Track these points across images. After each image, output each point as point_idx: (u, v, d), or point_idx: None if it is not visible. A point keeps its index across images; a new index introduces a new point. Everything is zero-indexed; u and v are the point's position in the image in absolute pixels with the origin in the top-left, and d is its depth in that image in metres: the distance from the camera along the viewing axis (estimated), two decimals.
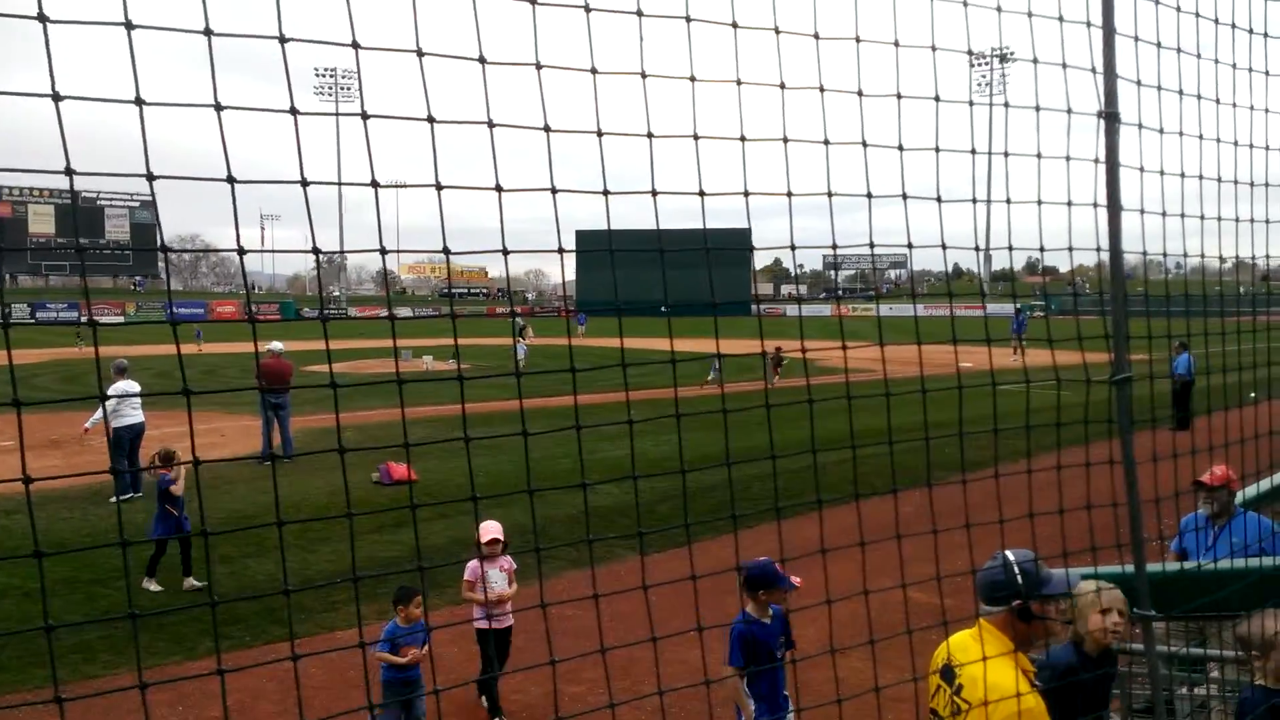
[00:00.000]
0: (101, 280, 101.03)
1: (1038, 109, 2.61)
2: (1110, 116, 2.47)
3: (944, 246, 2.48)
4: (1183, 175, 2.67)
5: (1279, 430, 3.65)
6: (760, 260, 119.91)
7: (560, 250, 2.13)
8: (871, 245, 2.53)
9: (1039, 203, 2.54)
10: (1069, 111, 2.49)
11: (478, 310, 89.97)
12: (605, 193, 2.13)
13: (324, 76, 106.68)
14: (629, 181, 2.21)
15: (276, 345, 17.69)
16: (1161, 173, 2.59)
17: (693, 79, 2.08)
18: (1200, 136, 2.72)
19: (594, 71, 1.96)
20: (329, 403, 22.84)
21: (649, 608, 2.19)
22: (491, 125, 1.95)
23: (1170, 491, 2.94)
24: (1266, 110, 3.02)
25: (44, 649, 7.74)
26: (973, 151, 2.43)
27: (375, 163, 1.96)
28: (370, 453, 15.93)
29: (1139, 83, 2.50)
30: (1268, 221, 3.19)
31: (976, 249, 2.54)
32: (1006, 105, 2.54)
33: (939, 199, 2.43)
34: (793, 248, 2.43)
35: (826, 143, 2.33)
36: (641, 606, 2.30)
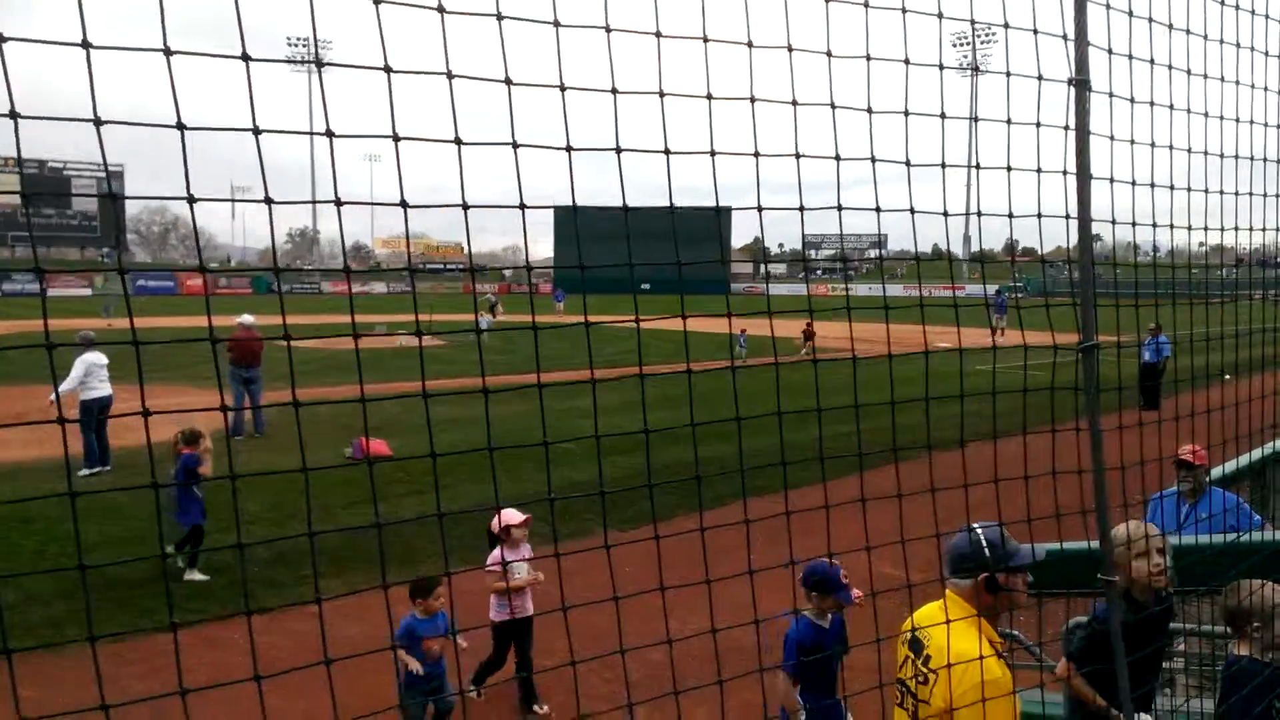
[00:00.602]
0: (68, 252, 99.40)
1: (1008, 74, 2.58)
2: (1080, 84, 2.46)
3: (912, 211, 2.46)
4: (1153, 145, 2.66)
5: (1255, 410, 3.69)
6: (740, 239, 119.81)
7: (521, 205, 2.06)
8: (839, 208, 2.51)
9: (1008, 169, 2.53)
10: (1039, 79, 2.47)
11: (454, 286, 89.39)
12: (568, 149, 2.08)
13: (295, 47, 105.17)
14: (600, 155, 2.17)
15: (248, 318, 17.51)
16: (1132, 142, 2.59)
17: (658, 34, 2.04)
18: (1171, 107, 2.71)
19: (557, 25, 1.91)
20: (301, 378, 22.63)
21: (659, 571, 2.18)
22: (449, 77, 1.90)
23: (1137, 463, 2.96)
24: (1237, 82, 3.03)
25: (15, 622, 7.66)
26: (942, 116, 2.40)
27: (353, 135, 1.91)
28: (343, 428, 15.86)
29: (1110, 51, 2.49)
30: (1236, 194, 3.20)
31: (944, 214, 2.52)
32: (977, 69, 2.54)
33: (907, 162, 2.40)
34: (759, 209, 2.39)
35: (794, 103, 2.28)
36: (620, 578, 2.30)
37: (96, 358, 14.22)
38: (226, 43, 1.77)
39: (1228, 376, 3.69)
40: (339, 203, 1.92)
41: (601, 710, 5.98)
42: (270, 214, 1.89)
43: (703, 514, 2.41)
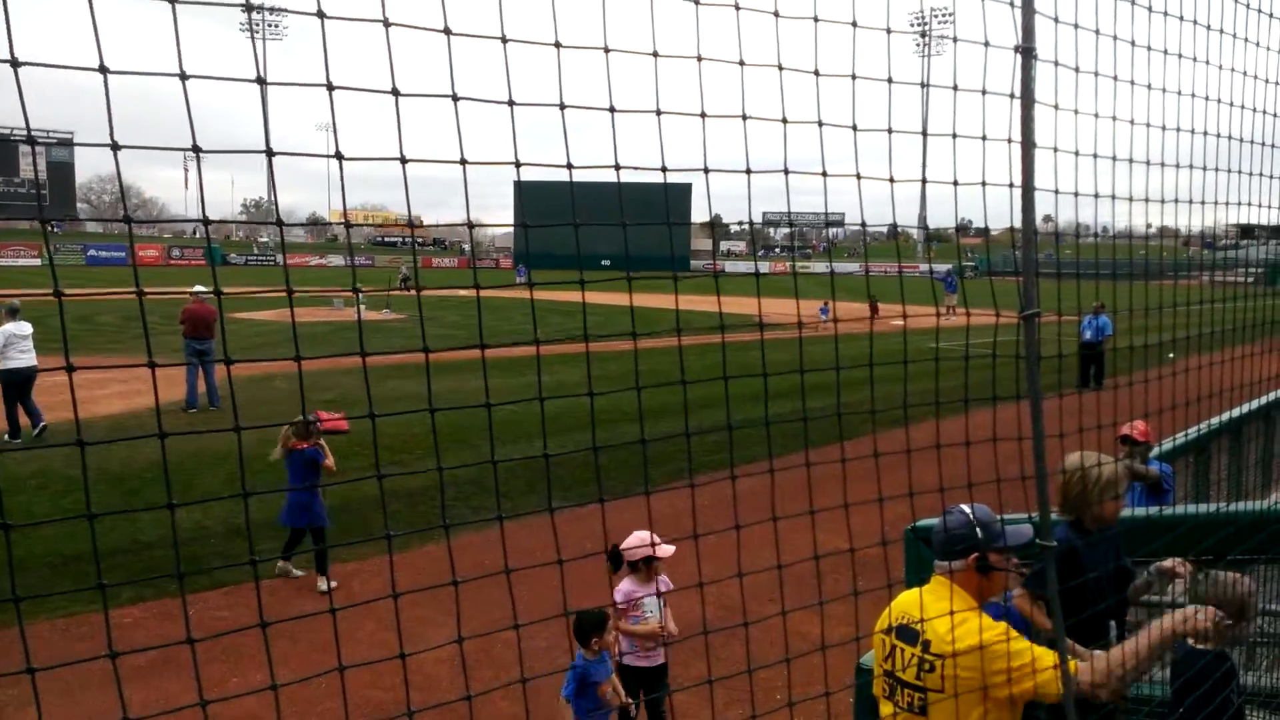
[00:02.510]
0: (17, 223, 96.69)
1: (955, 40, 2.60)
2: (1026, 51, 2.49)
3: (858, 177, 2.48)
4: (1097, 115, 2.70)
5: (1202, 389, 3.80)
6: (699, 216, 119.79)
7: (462, 161, 2.03)
8: (785, 171, 2.52)
9: (954, 136, 2.55)
10: (986, 45, 2.48)
11: (410, 262, 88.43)
12: (510, 103, 2.04)
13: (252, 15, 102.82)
14: (557, 136, 2.15)
15: (200, 289, 17.21)
16: (1076, 112, 2.62)
17: None
18: (1115, 78, 2.75)
19: None
20: (257, 350, 22.40)
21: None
22: (386, 25, 1.86)
23: (1077, 430, 3.02)
24: (1193, 59, 3.09)
25: None
26: (889, 80, 2.42)
27: (305, 105, 1.88)
28: (300, 402, 15.68)
29: (1056, 19, 2.52)
30: (1178, 167, 3.27)
31: (891, 180, 2.54)
32: (925, 34, 2.56)
33: (854, 127, 2.42)
34: (705, 170, 2.39)
35: (741, 64, 2.28)
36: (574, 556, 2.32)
37: (18, 328, 13.93)
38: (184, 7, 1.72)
39: (1171, 355, 3.79)
40: (270, 153, 1.85)
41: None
42: (199, 165, 1.87)
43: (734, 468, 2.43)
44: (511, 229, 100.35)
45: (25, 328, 14.02)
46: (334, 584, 8.44)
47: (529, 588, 2.53)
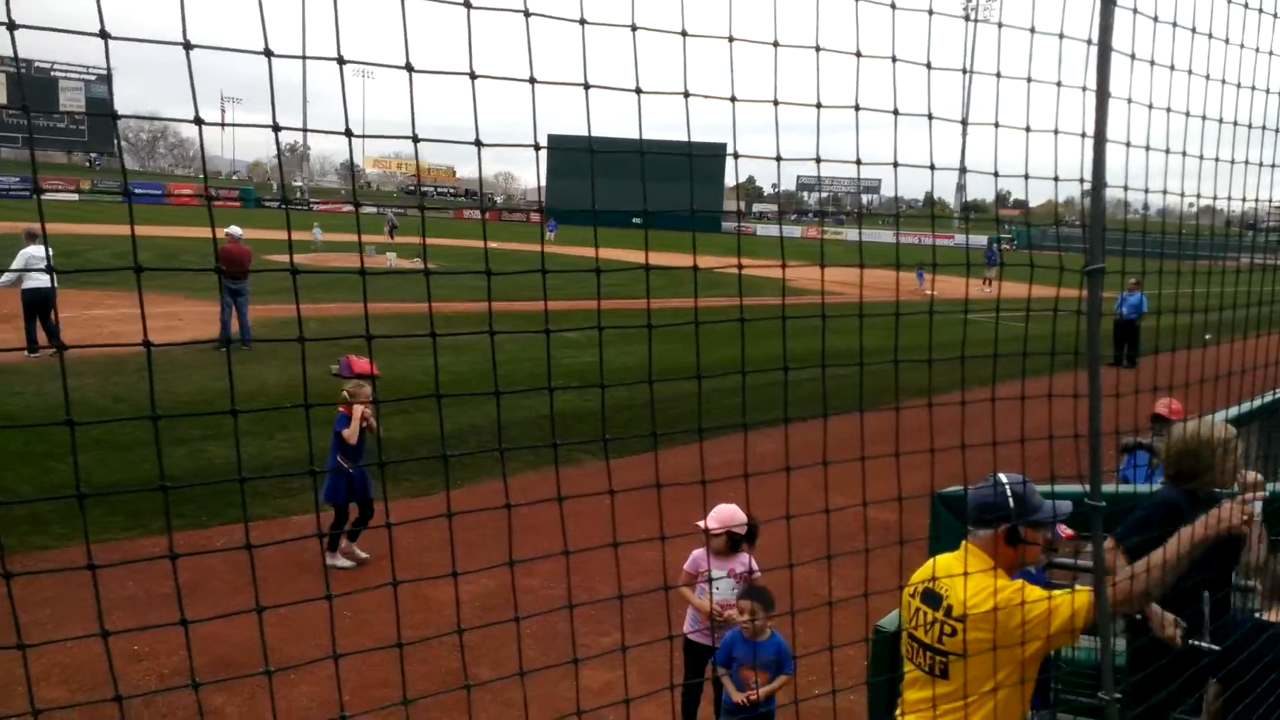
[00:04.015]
0: (55, 155, 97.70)
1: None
2: None
3: (895, 165, 2.47)
4: (1172, 68, 2.63)
5: (1236, 370, 3.77)
6: (732, 178, 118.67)
7: (532, 80, 2.07)
8: (817, 160, 2.52)
9: (1029, 80, 2.47)
10: None
11: (444, 213, 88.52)
12: (531, 80, 2.07)
13: None
14: (596, 89, 2.15)
15: (236, 230, 17.37)
16: (1152, 63, 2.56)
17: None
18: (1193, 30, 2.68)
19: None
20: (290, 293, 22.53)
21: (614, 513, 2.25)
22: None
23: (1122, 420, 3.02)
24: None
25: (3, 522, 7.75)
26: (928, 66, 2.41)
27: (342, 48, 1.89)
28: (330, 345, 15.87)
29: None
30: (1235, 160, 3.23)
31: (932, 167, 2.53)
32: (968, 19, 2.51)
33: (895, 111, 2.41)
34: (732, 155, 2.39)
35: (775, 45, 2.25)
36: (596, 508, 2.37)
37: (36, 250, 14.85)
38: None
39: (1208, 336, 3.75)
40: (276, 128, 1.89)
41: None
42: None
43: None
44: (543, 184, 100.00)
45: (43, 251, 14.45)
46: (365, 555, 8.20)
47: (546, 537, 2.58)
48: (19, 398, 12.30)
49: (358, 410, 7.95)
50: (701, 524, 4.88)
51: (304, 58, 1.70)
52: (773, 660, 4.77)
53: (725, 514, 5.22)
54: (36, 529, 7.96)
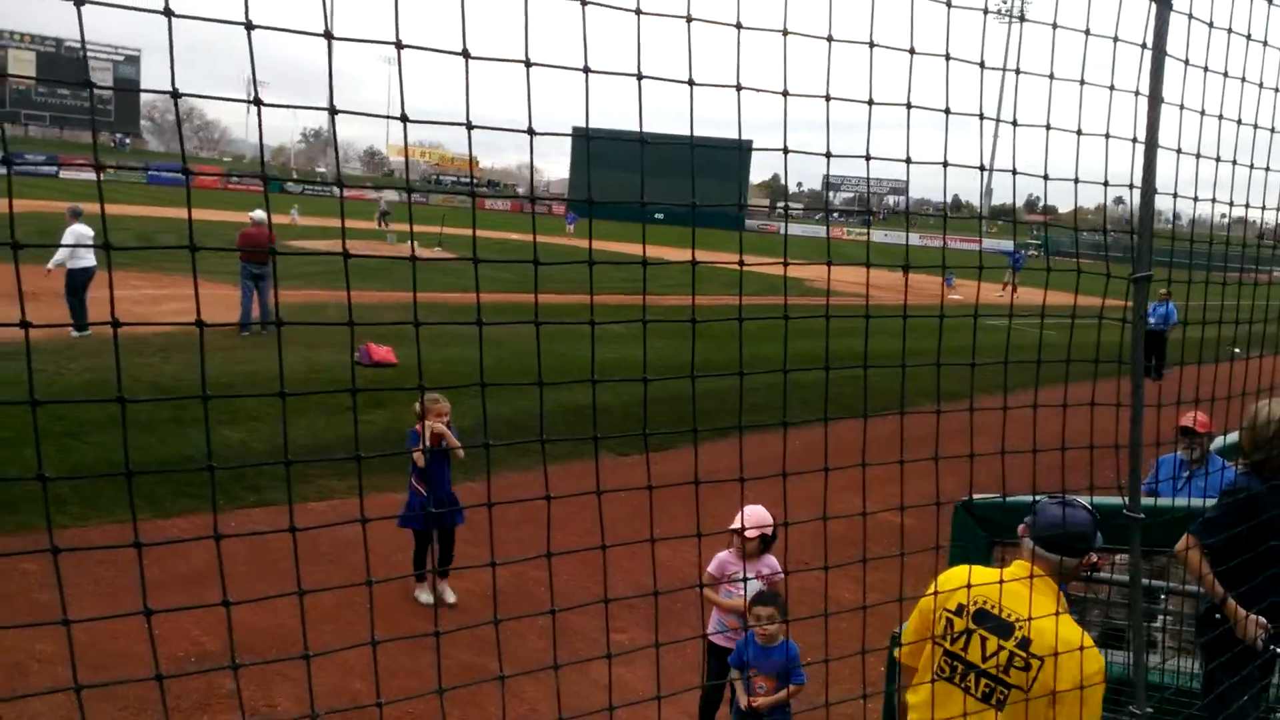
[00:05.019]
0: (82, 135, 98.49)
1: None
2: (1162, 2, 2.38)
3: (945, 164, 2.43)
4: (1225, 75, 2.58)
5: (1265, 387, 3.72)
6: (756, 176, 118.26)
7: (527, 63, 2.05)
8: (868, 159, 2.48)
9: (1081, 83, 2.42)
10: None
11: (467, 201, 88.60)
12: (585, 69, 2.03)
13: None
14: (620, 79, 2.12)
15: (259, 214, 17.46)
16: (1205, 69, 2.51)
17: None
18: (1248, 37, 2.63)
19: None
20: (312, 279, 22.67)
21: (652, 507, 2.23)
22: None
23: (1147, 432, 2.98)
24: None
25: (8, 498, 7.82)
26: (981, 65, 2.37)
27: (368, 36, 1.87)
28: (354, 333, 15.92)
29: None
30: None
31: (981, 169, 2.49)
32: (1022, 18, 2.46)
33: (947, 110, 2.37)
34: (785, 150, 2.35)
35: (830, 39, 2.22)
36: (610, 504, 2.35)
37: (83, 229, 15.14)
38: None
39: (1236, 350, 3.69)
40: (332, 110, 1.88)
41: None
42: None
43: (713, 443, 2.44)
44: (566, 177, 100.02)
45: (88, 230, 15.29)
46: (452, 599, 7.15)
47: (559, 531, 2.56)
48: (39, 376, 12.40)
49: (428, 428, 6.87)
50: (735, 526, 4.91)
51: (364, 41, 1.68)
52: (782, 667, 4.71)
53: (758, 515, 5.14)
54: (56, 509, 8.02)
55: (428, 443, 6.72)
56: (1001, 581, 2.89)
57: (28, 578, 6.79)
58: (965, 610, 2.95)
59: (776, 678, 4.71)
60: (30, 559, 6.93)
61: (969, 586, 2.97)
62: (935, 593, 3.09)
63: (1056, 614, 2.80)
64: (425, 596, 7.14)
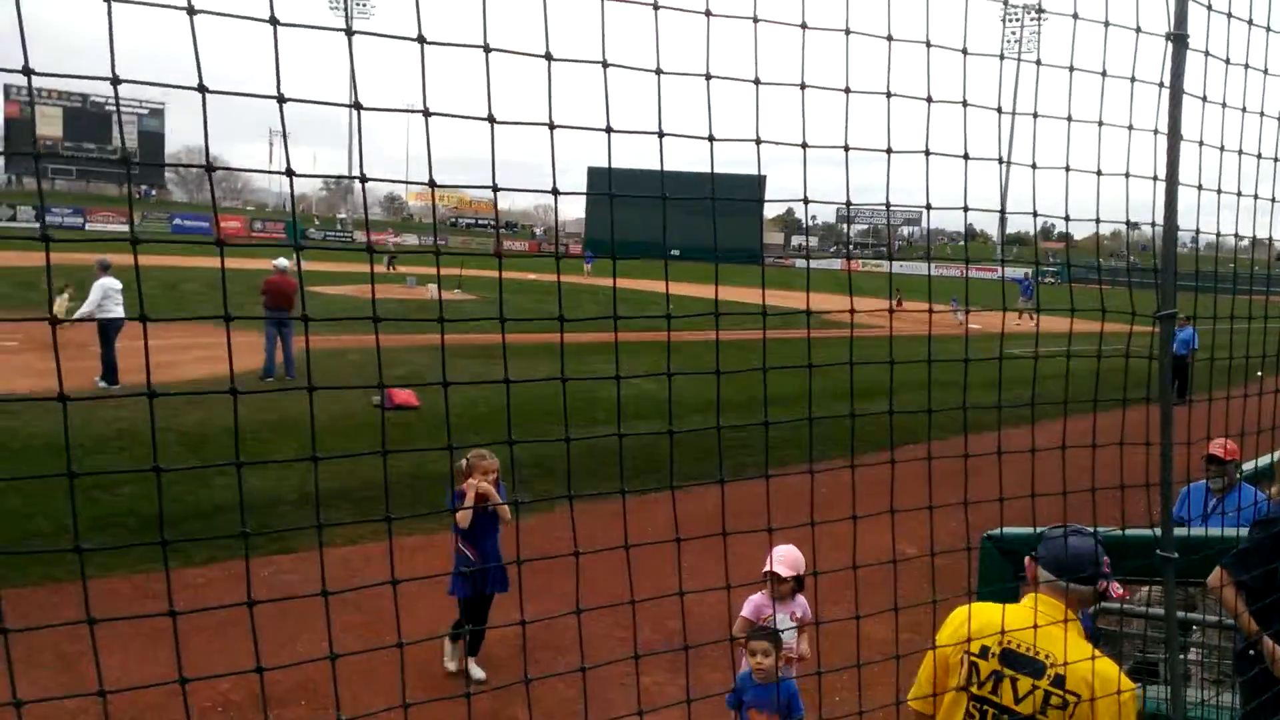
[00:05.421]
0: (107, 187, 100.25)
1: (1107, 24, 2.49)
2: (1179, 39, 2.39)
3: (965, 209, 2.44)
4: (1244, 110, 2.58)
5: None
6: (771, 209, 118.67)
7: (554, 191, 2.08)
8: (888, 205, 2.49)
9: (1099, 124, 2.44)
10: (1137, 31, 2.35)
11: (485, 244, 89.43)
12: (608, 129, 2.05)
13: None
14: (638, 123, 2.15)
15: (282, 262, 17.65)
16: (1224, 105, 2.51)
17: (708, 14, 2.01)
18: (1265, 71, 2.64)
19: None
20: (332, 326, 22.89)
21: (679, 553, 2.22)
22: (488, 50, 1.88)
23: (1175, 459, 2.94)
24: None
25: (35, 546, 7.87)
26: (999, 110, 2.38)
27: (388, 89, 1.91)
28: (372, 377, 16.01)
29: (1209, 8, 2.40)
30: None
31: (1001, 213, 2.50)
32: (1039, 63, 2.48)
33: (965, 155, 2.38)
34: (805, 200, 2.37)
35: (847, 91, 2.25)
36: (633, 542, 2.34)
37: (112, 282, 15.51)
38: None
39: (1260, 373, 3.66)
40: (363, 179, 1.92)
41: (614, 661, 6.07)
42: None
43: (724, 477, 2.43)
44: (583, 216, 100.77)
45: (116, 283, 15.71)
46: (480, 675, 6.60)
47: (590, 573, 2.55)
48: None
49: (473, 487, 6.35)
50: (768, 568, 4.87)
51: (389, 110, 1.71)
52: (782, 704, 4.61)
53: (791, 556, 5.04)
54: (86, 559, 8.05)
55: (471, 501, 6.34)
56: (1004, 616, 2.83)
57: (57, 630, 6.80)
58: (990, 652, 2.86)
59: (778, 715, 4.62)
60: (54, 611, 6.96)
61: (1003, 631, 2.87)
62: (942, 646, 3.00)
63: (1093, 656, 2.74)
64: (453, 665, 6.82)
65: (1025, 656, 2.78)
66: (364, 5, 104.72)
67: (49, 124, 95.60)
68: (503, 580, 6.60)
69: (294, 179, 1.87)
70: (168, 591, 1.83)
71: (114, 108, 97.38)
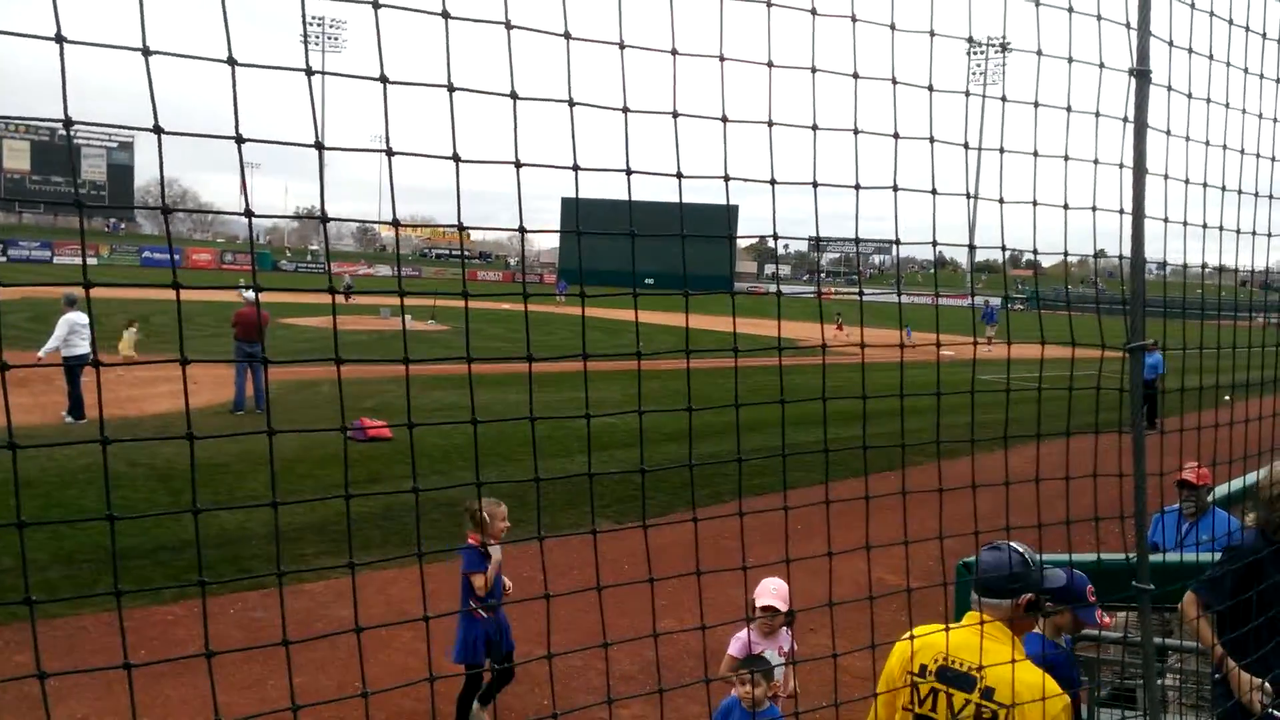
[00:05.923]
0: (75, 221, 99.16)
1: (1070, 60, 2.54)
2: (1141, 74, 2.44)
3: (934, 244, 2.47)
4: (1207, 144, 2.64)
5: (1258, 433, 3.71)
6: (744, 240, 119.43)
7: (517, 164, 2.07)
8: (857, 241, 2.51)
9: (1065, 159, 2.49)
10: (1101, 66, 2.40)
11: (459, 273, 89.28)
12: (575, 168, 2.06)
13: (312, 25, 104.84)
14: (609, 153, 2.16)
15: (250, 294, 17.54)
16: (1187, 138, 2.57)
17: (674, 52, 2.03)
18: (1227, 105, 2.71)
19: (568, 37, 1.90)
20: (304, 356, 22.73)
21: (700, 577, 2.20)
22: (451, 90, 1.88)
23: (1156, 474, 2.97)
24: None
25: (6, 588, 7.70)
26: (965, 146, 2.42)
27: (360, 118, 1.91)
28: (345, 408, 15.85)
29: (1170, 43, 2.46)
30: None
31: (970, 247, 2.53)
32: (1004, 99, 2.53)
33: (933, 191, 2.41)
34: (775, 237, 2.38)
35: (814, 128, 2.27)
36: (607, 574, 2.32)
37: (78, 317, 15.20)
38: (243, 11, 1.76)
39: (1227, 398, 3.69)
40: (324, 219, 1.91)
41: (591, 704, 6.00)
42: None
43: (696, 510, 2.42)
44: (557, 245, 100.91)
45: (83, 317, 15.41)
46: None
47: (565, 604, 2.53)
48: (33, 462, 12.30)
49: (497, 554, 6.02)
50: (760, 601, 4.82)
51: (355, 150, 1.70)
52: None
53: (784, 590, 4.93)
54: (47, 593, 7.88)
55: (494, 570, 6.00)
56: (948, 630, 2.89)
57: (20, 669, 6.64)
58: (927, 670, 2.94)
59: None
60: (20, 650, 6.80)
61: (948, 641, 2.94)
62: (898, 664, 3.05)
63: (1013, 660, 2.78)
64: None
65: (959, 672, 2.86)
66: (335, 40, 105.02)
67: (16, 157, 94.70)
68: (508, 632, 6.24)
69: (253, 219, 1.85)
70: (122, 642, 1.78)
71: (82, 142, 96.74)
